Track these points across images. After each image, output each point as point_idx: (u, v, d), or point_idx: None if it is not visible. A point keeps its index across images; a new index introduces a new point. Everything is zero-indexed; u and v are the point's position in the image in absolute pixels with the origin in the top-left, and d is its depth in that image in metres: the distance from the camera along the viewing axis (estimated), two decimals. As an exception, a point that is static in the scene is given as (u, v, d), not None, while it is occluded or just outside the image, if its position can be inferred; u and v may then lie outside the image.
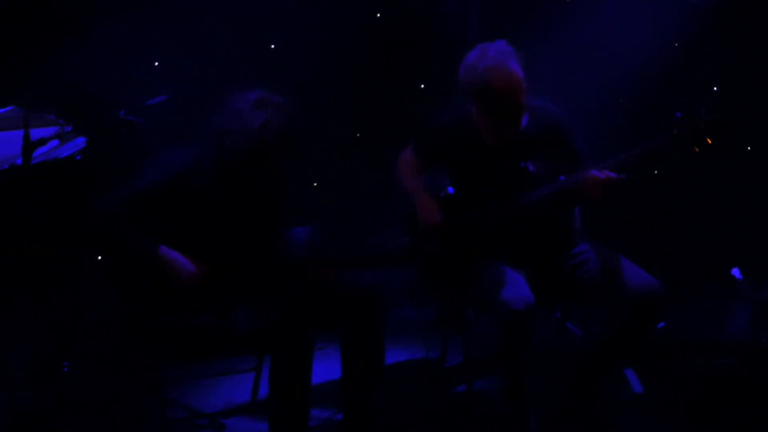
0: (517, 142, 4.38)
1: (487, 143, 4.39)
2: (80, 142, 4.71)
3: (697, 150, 4.07)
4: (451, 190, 4.62)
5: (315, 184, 7.30)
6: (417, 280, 4.70)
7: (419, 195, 4.52)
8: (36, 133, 4.26)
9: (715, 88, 6.92)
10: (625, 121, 6.78)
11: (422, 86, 7.34)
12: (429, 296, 4.84)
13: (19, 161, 4.19)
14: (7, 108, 4.77)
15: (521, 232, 4.38)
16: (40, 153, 4.39)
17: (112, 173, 4.98)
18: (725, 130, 4.06)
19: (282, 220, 4.30)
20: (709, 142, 4.04)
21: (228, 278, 4.07)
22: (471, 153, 4.42)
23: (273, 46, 7.10)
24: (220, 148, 3.98)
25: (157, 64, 6.71)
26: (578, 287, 4.37)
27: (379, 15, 7.20)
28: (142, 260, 3.95)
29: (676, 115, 4.10)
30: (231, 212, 4.09)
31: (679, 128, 4.09)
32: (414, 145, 4.62)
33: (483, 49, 4.28)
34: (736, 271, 5.49)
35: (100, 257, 4.61)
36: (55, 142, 4.49)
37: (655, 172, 6.57)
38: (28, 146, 4.11)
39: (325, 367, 5.05)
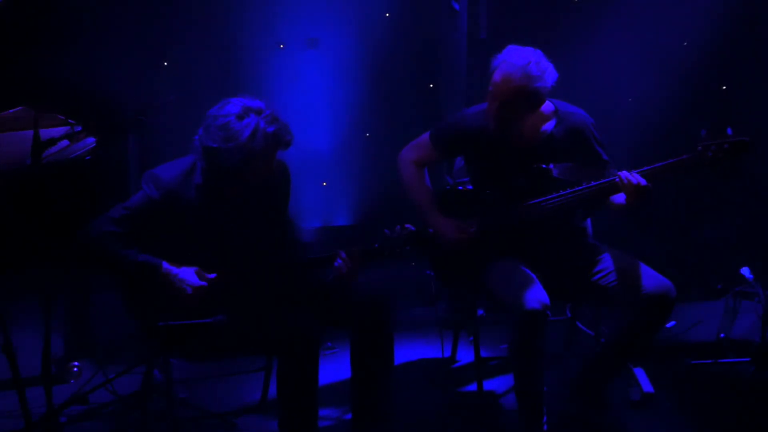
0: (543, 145, 4.38)
1: (511, 143, 4.38)
2: (90, 142, 4.72)
3: (718, 168, 4.11)
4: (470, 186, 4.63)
5: (324, 183, 7.31)
6: (431, 269, 4.70)
7: (434, 216, 4.49)
8: (46, 134, 4.26)
9: (723, 87, 6.91)
10: (627, 119, 6.78)
11: (431, 85, 7.34)
12: (442, 285, 4.84)
13: (29, 161, 4.20)
14: (17, 108, 4.78)
15: (538, 233, 4.39)
16: (49, 153, 4.40)
17: (122, 173, 5.00)
18: (747, 151, 4.08)
19: (285, 221, 4.30)
20: (731, 160, 4.08)
21: (235, 283, 4.07)
22: (494, 151, 4.41)
23: (282, 46, 7.10)
24: (210, 165, 3.98)
25: (166, 64, 6.72)
26: (591, 289, 4.38)
27: (387, 14, 7.20)
28: (146, 277, 3.97)
29: (701, 133, 4.12)
30: (228, 220, 4.09)
31: (703, 146, 4.11)
32: (433, 134, 4.57)
33: (503, 53, 4.27)
34: (745, 270, 5.46)
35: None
36: (64, 143, 4.49)
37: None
38: (38, 146, 4.11)
39: (336, 367, 5.06)
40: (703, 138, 4.11)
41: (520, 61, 4.19)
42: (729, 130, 4.09)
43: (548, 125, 4.39)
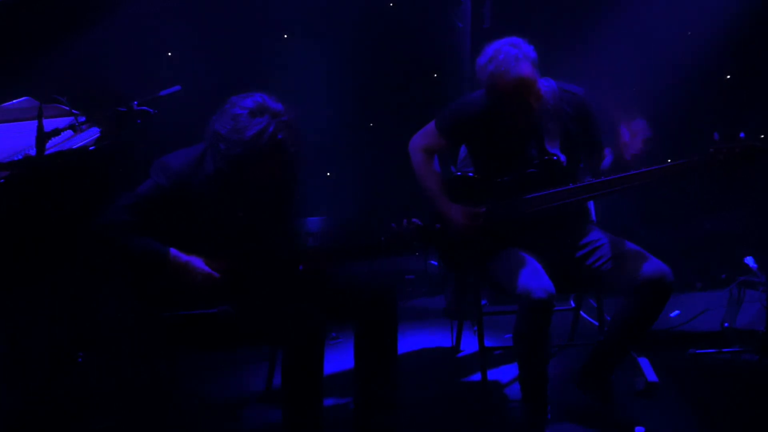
0: (545, 123, 4.42)
1: (515, 124, 4.39)
2: (94, 132, 4.72)
3: (728, 172, 4.13)
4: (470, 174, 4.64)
5: (328, 174, 7.30)
6: (436, 259, 4.71)
7: (443, 202, 4.53)
8: (50, 124, 4.27)
9: (728, 77, 6.90)
10: (633, 109, 6.76)
11: (435, 75, 7.34)
12: (448, 271, 4.86)
13: (32, 152, 4.20)
14: (22, 99, 4.78)
15: (544, 221, 4.40)
16: (53, 144, 4.40)
17: (126, 164, 4.99)
18: (760, 157, 4.09)
19: (290, 213, 4.30)
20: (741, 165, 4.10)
21: (241, 273, 4.07)
22: (498, 133, 4.44)
23: (286, 36, 7.10)
24: (215, 150, 3.98)
25: (170, 54, 6.72)
26: (590, 275, 4.39)
27: (391, 4, 7.20)
28: (155, 265, 3.97)
29: (714, 136, 4.12)
30: (236, 210, 4.09)
31: (715, 149, 4.11)
32: (438, 121, 4.60)
33: (494, 52, 4.28)
34: (749, 260, 5.47)
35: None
36: (68, 133, 4.49)
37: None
38: (42, 137, 4.12)
39: (340, 357, 5.07)
40: (715, 141, 4.12)
41: (509, 68, 4.23)
42: (742, 135, 4.10)
43: (550, 103, 4.41)
